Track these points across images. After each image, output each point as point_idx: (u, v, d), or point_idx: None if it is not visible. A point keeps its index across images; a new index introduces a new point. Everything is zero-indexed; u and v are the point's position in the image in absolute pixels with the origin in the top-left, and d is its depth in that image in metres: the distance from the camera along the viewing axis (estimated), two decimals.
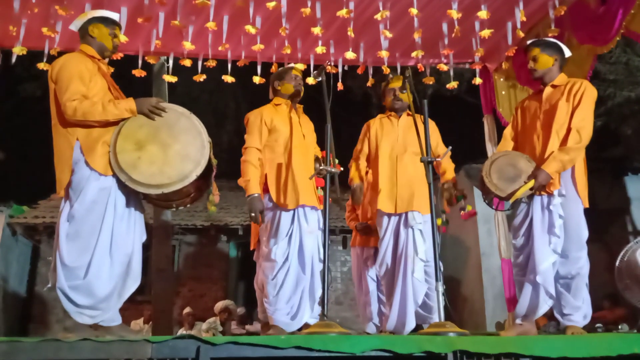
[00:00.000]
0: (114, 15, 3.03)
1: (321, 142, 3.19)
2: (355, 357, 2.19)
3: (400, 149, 3.67)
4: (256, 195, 3.28)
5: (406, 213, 3.52)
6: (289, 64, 5.00)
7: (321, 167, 3.01)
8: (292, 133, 3.46)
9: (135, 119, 2.79)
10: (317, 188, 3.49)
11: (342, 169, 3.52)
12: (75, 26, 3.01)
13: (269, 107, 3.56)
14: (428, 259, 3.43)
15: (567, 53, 3.37)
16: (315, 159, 3.55)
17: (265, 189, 3.42)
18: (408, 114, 3.76)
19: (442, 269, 3.58)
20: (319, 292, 3.34)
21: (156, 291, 6.98)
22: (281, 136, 3.44)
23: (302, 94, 3.63)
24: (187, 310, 8.31)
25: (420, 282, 3.40)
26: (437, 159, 3.10)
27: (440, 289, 2.78)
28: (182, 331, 7.82)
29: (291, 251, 3.30)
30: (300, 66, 3.88)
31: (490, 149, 5.19)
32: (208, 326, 7.60)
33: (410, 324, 3.42)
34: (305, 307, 3.32)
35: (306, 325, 3.30)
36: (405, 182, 3.55)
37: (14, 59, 4.48)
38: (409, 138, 3.66)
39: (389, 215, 3.59)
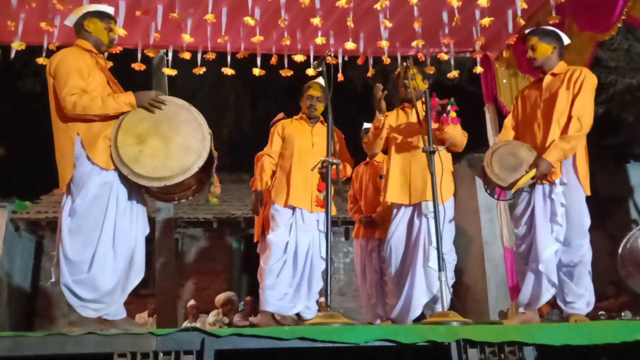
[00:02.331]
0: (109, 9, 3.02)
1: None
2: (358, 348, 2.20)
3: (413, 139, 3.64)
4: (256, 190, 3.76)
5: (419, 203, 3.51)
6: (289, 55, 4.99)
7: (323, 159, 3.02)
8: (299, 141, 3.77)
9: (135, 113, 2.79)
10: (320, 192, 3.64)
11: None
12: (70, 21, 3.00)
13: (287, 120, 3.98)
14: (444, 250, 3.38)
15: (566, 41, 3.35)
16: (321, 163, 3.62)
17: (271, 188, 3.79)
18: (422, 103, 3.73)
19: (455, 260, 3.59)
20: (316, 289, 3.63)
21: (160, 284, 7.02)
22: (289, 144, 3.81)
23: (317, 112, 3.87)
24: (191, 303, 8.36)
25: (436, 271, 3.38)
26: (438, 149, 3.08)
27: (444, 278, 2.78)
28: (186, 324, 7.86)
29: (290, 243, 3.59)
30: (317, 87, 3.89)
31: (491, 138, 5.18)
32: (214, 319, 7.64)
33: (415, 312, 3.44)
34: (299, 298, 3.59)
35: (299, 317, 3.59)
36: (419, 172, 3.53)
37: (12, 55, 4.47)
38: (422, 129, 3.62)
39: (402, 207, 3.59)
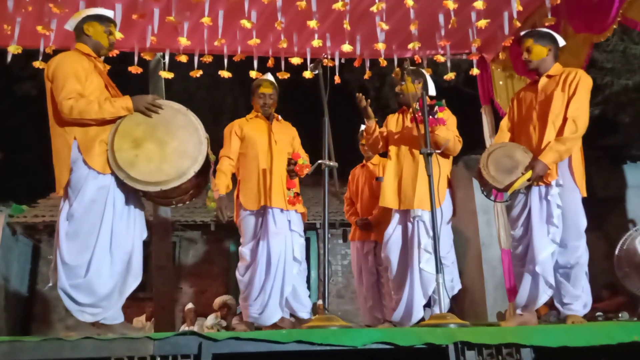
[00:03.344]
0: (109, 13, 3.03)
1: (319, 136, 3.21)
2: (356, 350, 2.20)
3: (407, 143, 3.65)
4: (220, 195, 3.55)
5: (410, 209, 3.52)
6: (285, 58, 5.00)
7: (320, 161, 3.01)
8: (261, 140, 3.71)
9: (132, 117, 2.79)
10: (288, 190, 3.65)
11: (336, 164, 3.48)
12: (70, 25, 3.01)
13: (242, 120, 3.89)
14: (442, 253, 3.35)
15: (561, 43, 3.36)
16: (288, 161, 3.68)
17: (238, 194, 3.72)
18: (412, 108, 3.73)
19: (455, 264, 3.59)
20: (287, 290, 3.57)
21: (157, 288, 7.01)
22: (250, 143, 3.73)
23: (271, 109, 3.85)
24: (188, 306, 8.34)
25: (430, 273, 3.38)
26: (436, 151, 3.09)
27: (441, 280, 2.78)
28: (184, 327, 7.84)
29: (260, 252, 3.56)
30: (268, 84, 3.89)
31: (488, 139, 5.19)
32: (212, 322, 7.62)
33: (417, 315, 3.44)
34: (274, 306, 3.53)
35: (282, 321, 3.56)
36: (410, 179, 3.54)
37: (9, 58, 4.46)
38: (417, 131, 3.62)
39: (394, 211, 3.60)
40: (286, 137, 3.85)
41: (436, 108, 3.42)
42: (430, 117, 3.40)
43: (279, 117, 3.94)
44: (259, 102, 3.84)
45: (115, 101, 2.78)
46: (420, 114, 3.31)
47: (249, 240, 3.63)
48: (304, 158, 3.65)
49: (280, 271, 3.56)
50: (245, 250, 3.63)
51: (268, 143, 3.73)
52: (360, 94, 3.47)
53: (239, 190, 3.73)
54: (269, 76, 3.97)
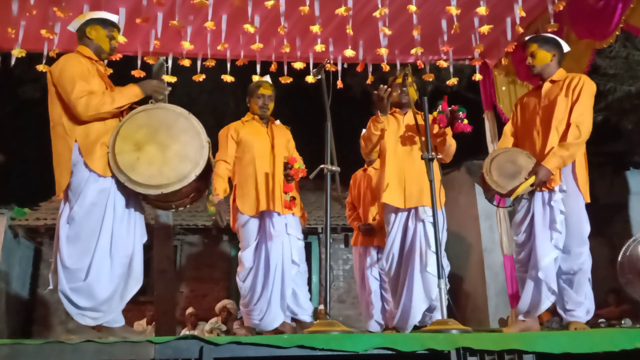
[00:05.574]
0: (113, 17, 3.03)
1: (321, 140, 3.20)
2: (358, 356, 2.19)
3: (406, 145, 3.63)
4: (219, 200, 3.52)
5: (416, 208, 3.49)
6: (288, 62, 5.01)
7: (322, 165, 3.00)
8: (258, 143, 3.67)
9: (133, 120, 2.79)
10: (285, 194, 3.58)
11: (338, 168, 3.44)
12: (73, 27, 3.02)
13: (238, 123, 3.84)
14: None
15: (566, 48, 3.36)
16: (284, 165, 3.60)
17: (235, 199, 3.67)
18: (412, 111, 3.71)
19: (448, 266, 3.57)
20: (288, 294, 3.56)
21: (158, 292, 7.00)
22: (247, 147, 3.68)
23: (269, 111, 3.81)
24: (189, 310, 8.33)
25: (434, 276, 3.36)
26: (438, 156, 3.07)
27: (443, 286, 2.76)
28: (184, 332, 7.83)
29: (258, 256, 3.55)
30: (267, 86, 3.86)
31: (490, 145, 5.18)
32: (211, 326, 7.61)
33: (415, 318, 3.42)
34: (275, 310, 3.53)
35: (283, 325, 3.54)
36: (414, 177, 3.51)
37: (13, 62, 4.48)
38: (415, 134, 3.62)
39: (397, 210, 3.56)
40: (282, 140, 3.80)
41: (461, 114, 3.37)
42: (459, 121, 3.34)
43: (275, 120, 3.90)
44: (257, 103, 3.78)
45: (122, 91, 2.82)
46: (443, 116, 3.31)
47: (248, 245, 3.60)
48: (299, 162, 3.61)
49: (279, 275, 3.54)
50: (245, 255, 3.59)
51: (265, 146, 3.70)
52: (385, 86, 3.37)
53: (236, 194, 3.69)
54: (268, 78, 3.94)
